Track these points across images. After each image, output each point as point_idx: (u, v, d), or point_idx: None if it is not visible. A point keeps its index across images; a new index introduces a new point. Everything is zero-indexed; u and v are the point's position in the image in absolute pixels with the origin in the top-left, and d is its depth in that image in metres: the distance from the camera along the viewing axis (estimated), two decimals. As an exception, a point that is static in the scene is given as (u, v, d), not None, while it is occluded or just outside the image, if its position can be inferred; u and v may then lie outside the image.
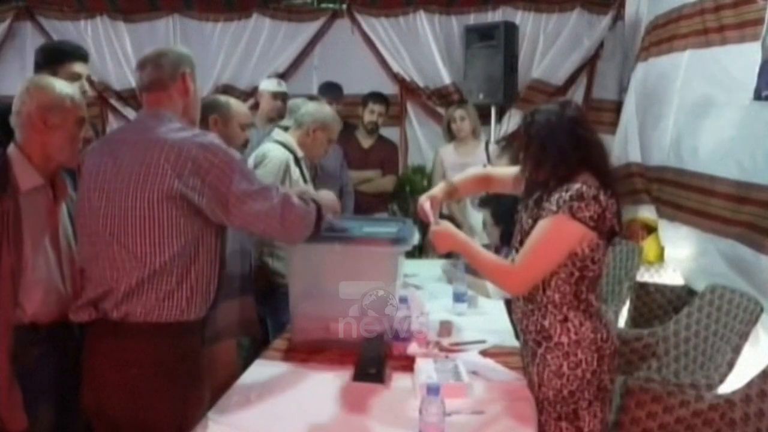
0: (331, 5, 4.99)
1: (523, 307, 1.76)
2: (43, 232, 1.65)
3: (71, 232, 1.74)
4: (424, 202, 1.98)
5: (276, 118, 4.00)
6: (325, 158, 3.27)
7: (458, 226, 3.19)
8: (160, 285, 1.57)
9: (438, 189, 2.09)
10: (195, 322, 1.65)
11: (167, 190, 1.54)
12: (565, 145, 1.66)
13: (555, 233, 1.62)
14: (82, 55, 2.31)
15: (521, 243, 1.71)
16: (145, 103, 1.71)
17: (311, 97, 3.82)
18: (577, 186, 1.61)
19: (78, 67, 2.27)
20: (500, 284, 1.81)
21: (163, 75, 1.68)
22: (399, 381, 1.79)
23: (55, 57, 2.27)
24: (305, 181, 2.81)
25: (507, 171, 2.04)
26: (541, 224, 1.64)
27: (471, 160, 3.77)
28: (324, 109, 2.86)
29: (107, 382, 1.59)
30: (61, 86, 1.68)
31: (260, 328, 3.00)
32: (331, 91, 4.05)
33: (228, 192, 1.57)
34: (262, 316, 2.90)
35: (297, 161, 2.77)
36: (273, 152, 2.72)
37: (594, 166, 1.68)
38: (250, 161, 2.85)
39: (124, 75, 4.97)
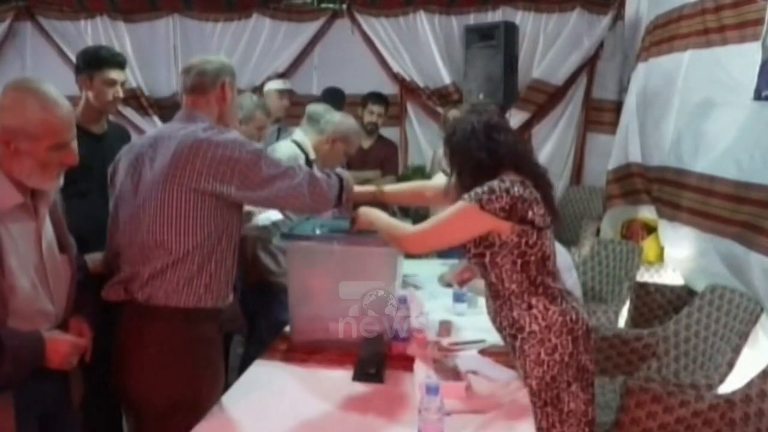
0: (331, 5, 5.00)
1: (492, 305, 1.84)
2: (26, 252, 1.49)
3: (55, 243, 1.61)
4: None
5: (283, 117, 4.01)
6: None
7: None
8: (182, 271, 1.68)
9: (363, 189, 2.21)
10: (212, 310, 1.76)
11: (195, 183, 1.65)
12: (481, 153, 1.76)
13: (460, 218, 1.72)
14: (119, 62, 2.34)
15: (467, 251, 1.80)
16: (185, 104, 1.84)
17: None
18: (492, 181, 1.71)
19: (114, 74, 2.30)
20: (397, 242, 1.87)
21: (205, 81, 1.81)
22: (398, 381, 1.78)
23: (94, 63, 2.29)
24: None
25: (441, 183, 2.09)
26: (452, 207, 1.74)
27: None
28: (348, 121, 2.87)
29: (129, 359, 1.72)
30: (35, 107, 1.44)
31: (254, 324, 3.01)
32: (332, 97, 4.07)
33: (257, 177, 1.69)
34: (255, 312, 2.90)
35: (308, 162, 2.78)
36: (283, 148, 2.75)
37: (513, 165, 1.77)
38: None
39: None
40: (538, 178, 1.78)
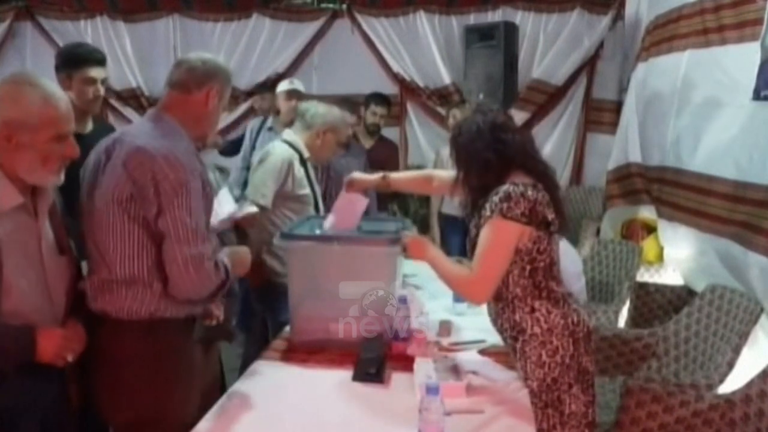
0: (331, 5, 5.00)
1: (494, 307, 1.84)
2: (26, 252, 1.48)
3: (55, 244, 1.59)
4: (349, 178, 2.20)
5: (294, 119, 4.00)
6: (349, 159, 3.38)
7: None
8: (128, 283, 1.57)
9: (369, 176, 2.24)
10: (173, 320, 1.63)
11: (120, 193, 1.54)
12: (487, 153, 1.74)
13: (497, 237, 1.69)
14: (97, 60, 2.29)
15: (473, 251, 1.76)
16: (161, 100, 1.71)
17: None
18: (504, 187, 1.69)
19: (93, 72, 2.26)
20: (466, 296, 1.87)
21: (191, 80, 1.67)
22: (399, 381, 1.78)
23: (72, 61, 2.25)
24: (310, 181, 2.81)
25: (449, 174, 2.07)
26: (483, 232, 1.71)
27: None
28: (334, 112, 2.86)
29: (93, 372, 1.63)
30: (34, 98, 1.43)
31: (259, 326, 3.01)
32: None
33: (165, 210, 1.53)
34: (260, 312, 2.91)
35: (303, 161, 2.77)
36: (276, 150, 2.73)
37: (522, 165, 1.75)
38: (255, 159, 2.86)
39: (123, 75, 4.97)
40: (546, 179, 1.76)
